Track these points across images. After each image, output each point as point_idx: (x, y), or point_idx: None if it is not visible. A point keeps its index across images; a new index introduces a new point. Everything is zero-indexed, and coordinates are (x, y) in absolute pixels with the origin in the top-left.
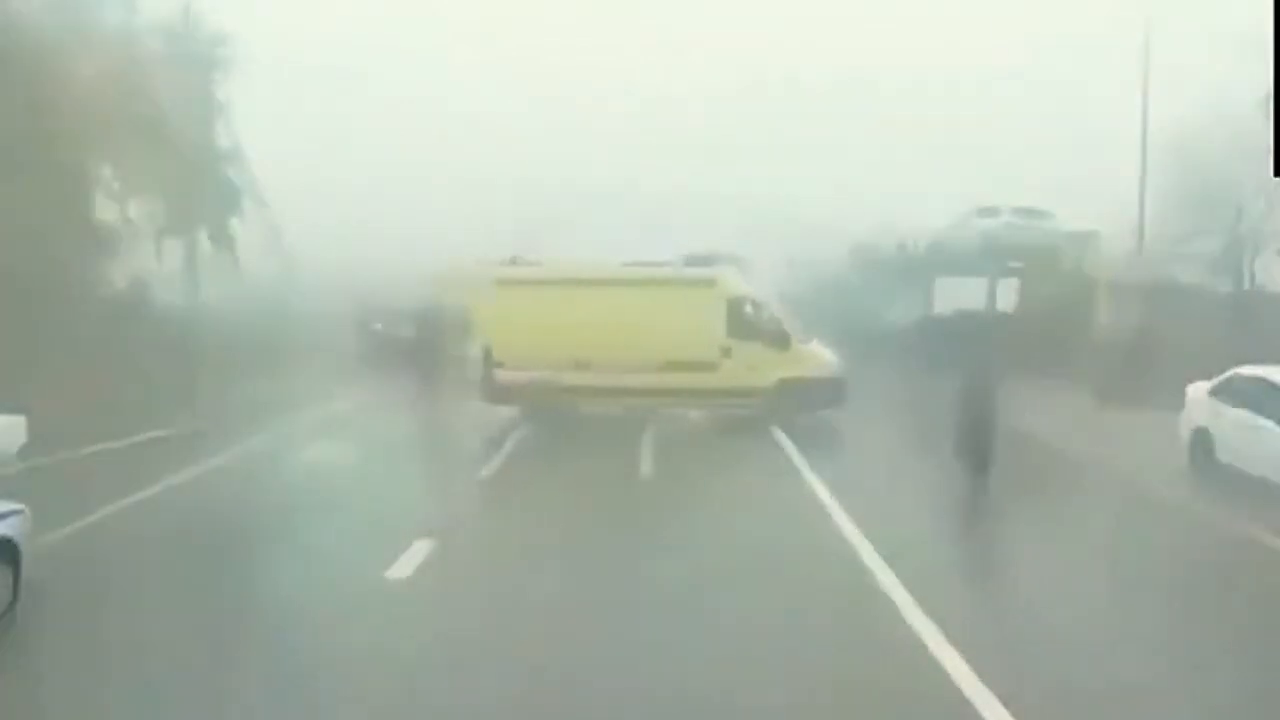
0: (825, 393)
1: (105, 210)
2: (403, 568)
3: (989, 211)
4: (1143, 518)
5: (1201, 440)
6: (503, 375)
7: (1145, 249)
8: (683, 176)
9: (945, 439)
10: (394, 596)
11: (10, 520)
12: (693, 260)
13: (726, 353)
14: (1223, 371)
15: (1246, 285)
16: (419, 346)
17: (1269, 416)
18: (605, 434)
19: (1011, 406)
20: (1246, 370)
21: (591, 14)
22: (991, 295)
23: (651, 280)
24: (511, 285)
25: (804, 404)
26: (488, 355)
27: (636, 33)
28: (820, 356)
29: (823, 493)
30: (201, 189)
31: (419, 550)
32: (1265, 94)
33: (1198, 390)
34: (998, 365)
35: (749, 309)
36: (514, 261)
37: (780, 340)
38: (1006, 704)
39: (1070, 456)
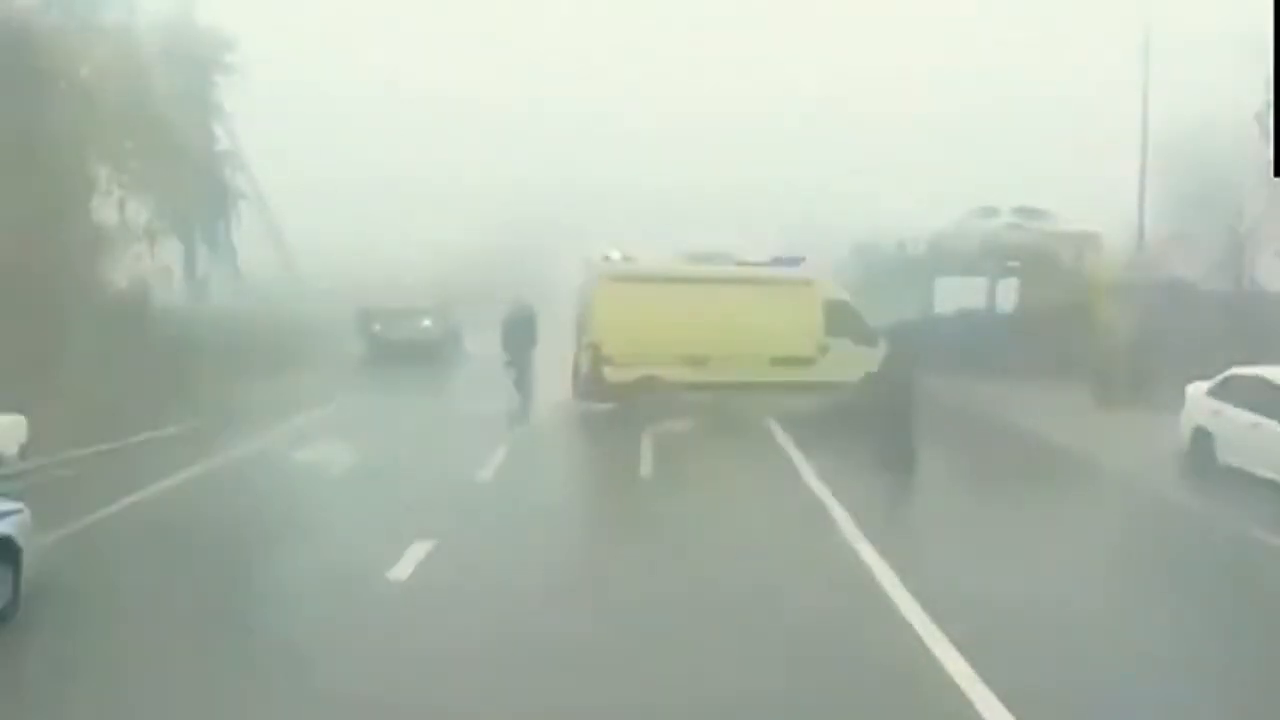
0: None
1: (105, 210)
2: (402, 568)
3: (989, 212)
4: (1142, 516)
5: (1201, 440)
6: (611, 372)
7: (1145, 249)
8: (683, 176)
9: (937, 437)
10: (393, 597)
11: (10, 519)
12: (779, 261)
13: (824, 349)
14: (1222, 371)
15: (1246, 285)
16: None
17: (1268, 416)
18: (606, 436)
19: (1013, 406)
20: (1245, 370)
21: (591, 16)
22: (991, 295)
23: (758, 279)
24: (623, 281)
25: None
26: (596, 352)
27: (637, 35)
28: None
29: (822, 491)
30: (201, 190)
31: (419, 550)
32: (1265, 94)
33: (1197, 390)
34: (918, 357)
35: (841, 310)
36: (606, 258)
37: (869, 338)
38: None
39: (1071, 455)
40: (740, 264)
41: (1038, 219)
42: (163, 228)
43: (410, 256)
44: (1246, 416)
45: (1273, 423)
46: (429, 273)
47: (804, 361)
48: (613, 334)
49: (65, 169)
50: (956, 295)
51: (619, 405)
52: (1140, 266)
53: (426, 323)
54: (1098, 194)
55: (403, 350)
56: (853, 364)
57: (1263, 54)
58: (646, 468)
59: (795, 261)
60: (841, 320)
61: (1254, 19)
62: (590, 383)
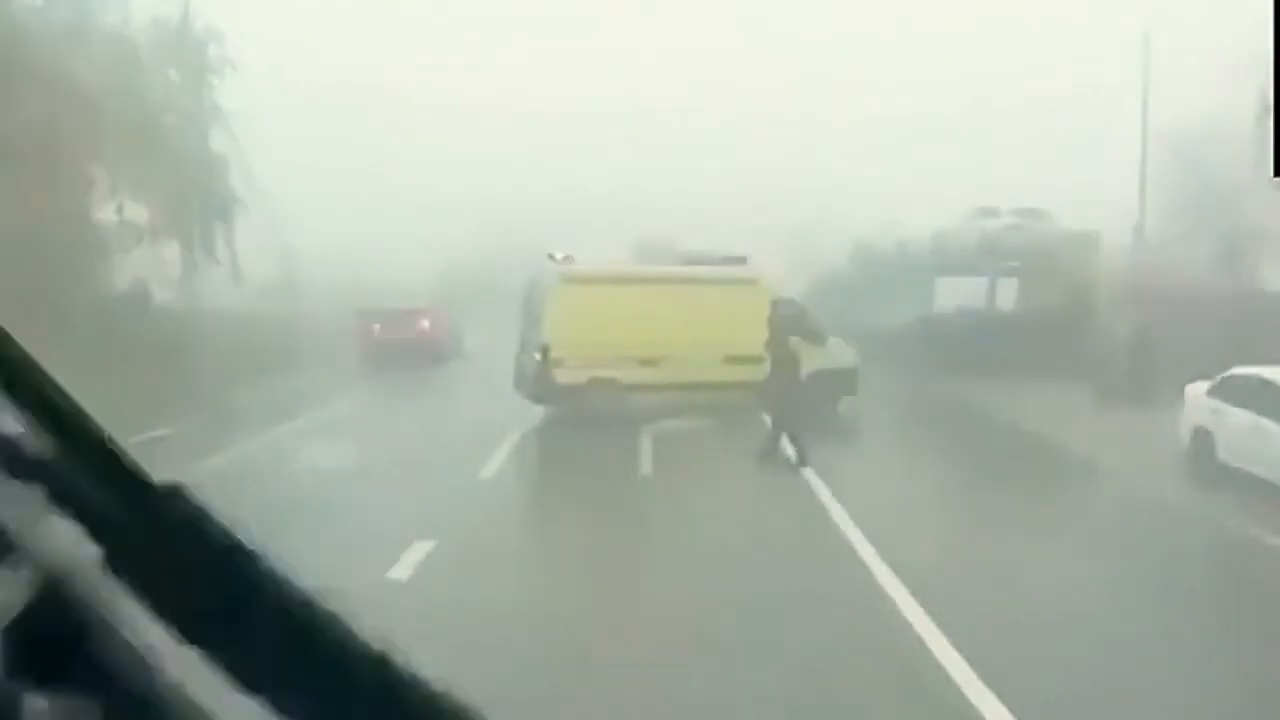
0: (848, 381)
1: (105, 211)
2: (402, 568)
3: (989, 212)
4: (1141, 516)
5: (1201, 440)
6: (563, 374)
7: (1145, 249)
8: (683, 177)
9: (939, 437)
10: (393, 597)
11: None
12: (719, 260)
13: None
14: (1222, 371)
15: (1246, 285)
16: None
17: (1269, 416)
18: (606, 435)
19: (1013, 405)
20: (1245, 370)
21: (591, 18)
22: (991, 295)
23: (706, 279)
24: (574, 283)
25: (832, 390)
26: (545, 354)
27: (636, 36)
28: (844, 350)
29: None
30: (201, 190)
31: (419, 550)
32: (1265, 93)
33: (1197, 390)
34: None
35: (788, 307)
36: (551, 257)
37: (816, 335)
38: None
39: (1071, 455)
40: (689, 262)
41: (1038, 219)
42: (162, 228)
43: (410, 257)
44: (1246, 416)
45: (1273, 423)
46: (428, 273)
47: (754, 359)
48: (564, 335)
49: (64, 169)
50: (957, 295)
51: (608, 407)
52: (1140, 267)
53: (425, 323)
54: (1097, 194)
55: (402, 351)
56: (800, 361)
57: (1263, 52)
58: (646, 467)
59: (741, 260)
60: (790, 319)
61: (1254, 17)
62: (540, 385)
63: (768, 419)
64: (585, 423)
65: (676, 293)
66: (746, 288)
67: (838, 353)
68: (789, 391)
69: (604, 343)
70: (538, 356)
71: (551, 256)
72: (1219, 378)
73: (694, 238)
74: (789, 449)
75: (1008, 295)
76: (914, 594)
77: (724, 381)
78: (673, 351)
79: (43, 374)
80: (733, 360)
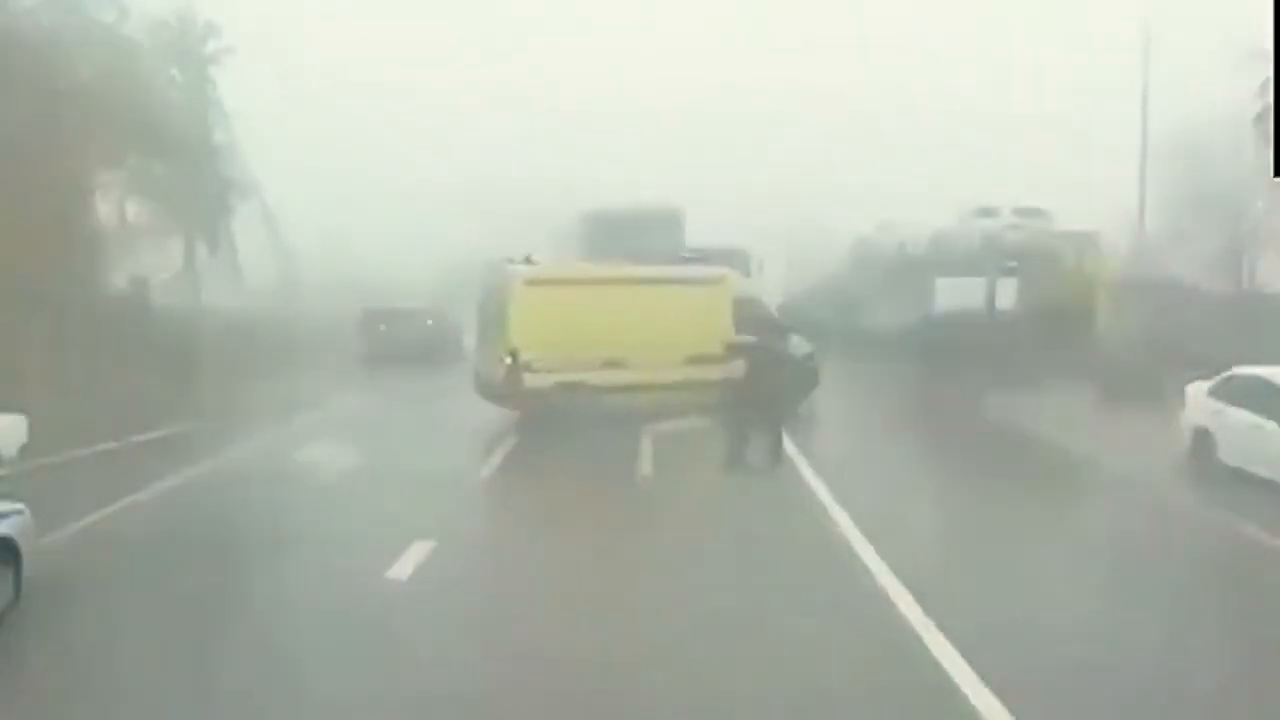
0: (810, 376)
1: (106, 211)
2: (402, 568)
3: (989, 212)
4: (1141, 516)
5: (1202, 440)
6: (531, 379)
7: (1145, 249)
8: (684, 177)
9: (941, 436)
10: (393, 596)
11: (11, 520)
12: (694, 255)
13: None
14: (1222, 371)
15: (1246, 285)
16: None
17: (1268, 416)
18: (607, 435)
19: (1012, 404)
20: (1245, 370)
21: (592, 18)
22: (991, 295)
23: (669, 279)
24: (539, 285)
25: (796, 386)
26: (515, 357)
27: (637, 36)
28: (804, 348)
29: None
30: (202, 190)
31: (419, 550)
32: (1264, 95)
33: (1197, 390)
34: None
35: (751, 306)
36: (528, 260)
37: (779, 333)
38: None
39: (1071, 454)
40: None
41: (1038, 219)
42: (163, 228)
43: (410, 257)
44: (1247, 416)
45: (1273, 423)
46: (428, 273)
47: (716, 359)
48: (531, 339)
49: (65, 169)
50: (957, 295)
51: (577, 410)
52: (1140, 266)
53: (428, 323)
54: (1097, 194)
55: (406, 349)
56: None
57: (1263, 53)
58: (646, 467)
59: (707, 256)
60: (752, 316)
61: (1254, 19)
62: (508, 388)
63: (730, 418)
64: (587, 421)
65: (639, 293)
66: (711, 287)
67: (799, 350)
68: (770, 388)
69: (570, 345)
70: (507, 360)
71: (510, 260)
72: (1219, 378)
73: (694, 237)
74: (759, 448)
75: (1008, 295)
76: (914, 593)
77: (687, 381)
78: (636, 353)
79: None
80: (695, 360)
